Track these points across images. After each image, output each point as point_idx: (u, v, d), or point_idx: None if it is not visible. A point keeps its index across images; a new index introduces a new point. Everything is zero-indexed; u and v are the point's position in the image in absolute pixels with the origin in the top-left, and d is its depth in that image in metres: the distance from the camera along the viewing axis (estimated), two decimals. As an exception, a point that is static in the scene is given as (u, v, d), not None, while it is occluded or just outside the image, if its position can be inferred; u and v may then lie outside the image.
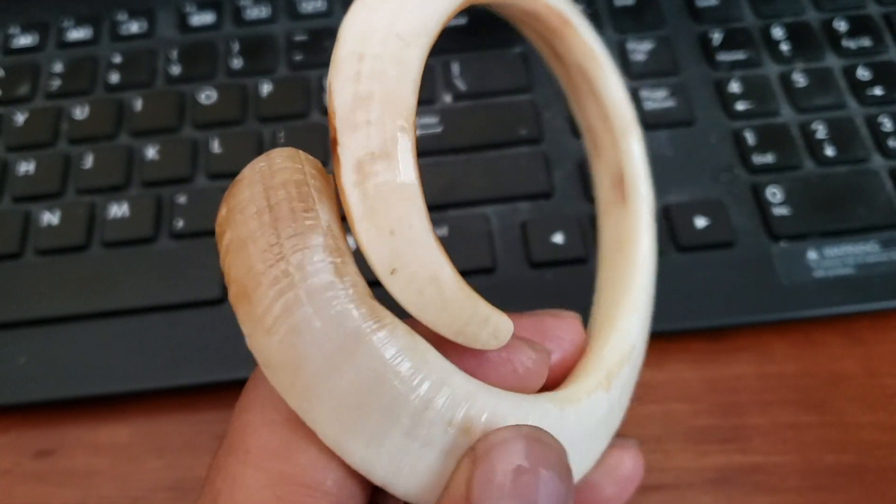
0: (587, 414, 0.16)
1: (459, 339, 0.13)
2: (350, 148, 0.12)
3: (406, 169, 0.12)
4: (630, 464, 0.19)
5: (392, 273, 0.12)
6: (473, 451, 0.13)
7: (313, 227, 0.12)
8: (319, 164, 0.14)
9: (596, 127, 0.19)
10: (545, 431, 0.13)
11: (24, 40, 0.34)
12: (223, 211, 0.13)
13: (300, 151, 0.13)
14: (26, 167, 0.30)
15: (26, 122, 0.32)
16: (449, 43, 0.33)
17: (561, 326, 0.18)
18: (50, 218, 0.29)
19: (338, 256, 0.12)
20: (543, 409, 0.14)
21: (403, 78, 0.13)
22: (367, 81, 0.12)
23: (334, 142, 0.12)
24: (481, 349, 0.14)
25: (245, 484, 0.13)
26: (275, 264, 0.12)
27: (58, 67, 0.33)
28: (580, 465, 0.16)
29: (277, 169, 0.13)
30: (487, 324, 0.13)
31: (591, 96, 0.18)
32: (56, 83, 0.33)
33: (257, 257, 0.12)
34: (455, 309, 0.13)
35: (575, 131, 0.30)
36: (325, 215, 0.12)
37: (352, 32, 0.13)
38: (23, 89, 0.33)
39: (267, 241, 0.12)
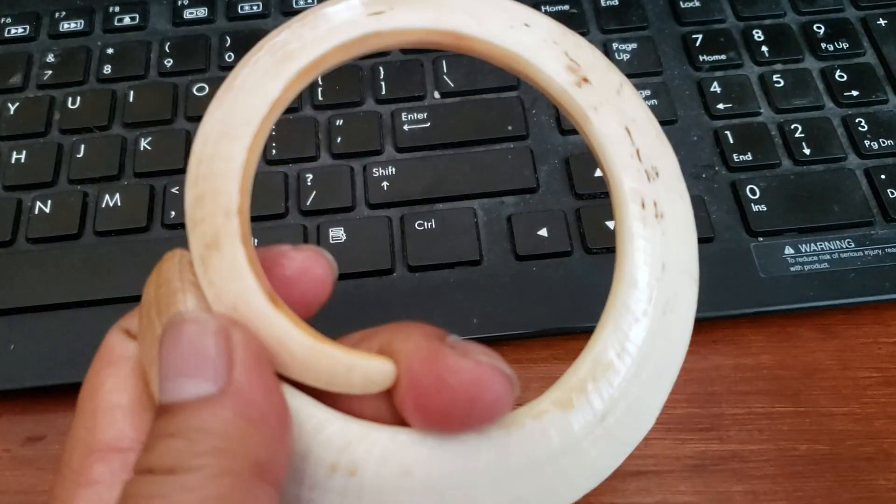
0: (532, 442, 0.15)
1: (333, 389, 0.14)
2: (194, 244, 0.15)
3: (231, 253, 0.14)
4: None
5: None
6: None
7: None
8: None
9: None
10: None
11: (17, 30, 0.34)
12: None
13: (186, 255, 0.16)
14: (18, 156, 0.30)
15: (18, 111, 0.32)
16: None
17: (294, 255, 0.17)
18: (42, 206, 0.29)
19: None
20: (462, 444, 0.14)
21: (230, 172, 0.15)
22: (202, 183, 0.15)
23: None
24: (360, 394, 0.15)
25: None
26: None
27: (50, 58, 0.33)
28: None
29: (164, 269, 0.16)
30: (351, 371, 0.14)
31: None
32: (48, 73, 0.33)
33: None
34: (311, 365, 0.14)
35: (560, 128, 0.31)
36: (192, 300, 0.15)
37: (197, 137, 0.15)
38: (14, 79, 0.33)
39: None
